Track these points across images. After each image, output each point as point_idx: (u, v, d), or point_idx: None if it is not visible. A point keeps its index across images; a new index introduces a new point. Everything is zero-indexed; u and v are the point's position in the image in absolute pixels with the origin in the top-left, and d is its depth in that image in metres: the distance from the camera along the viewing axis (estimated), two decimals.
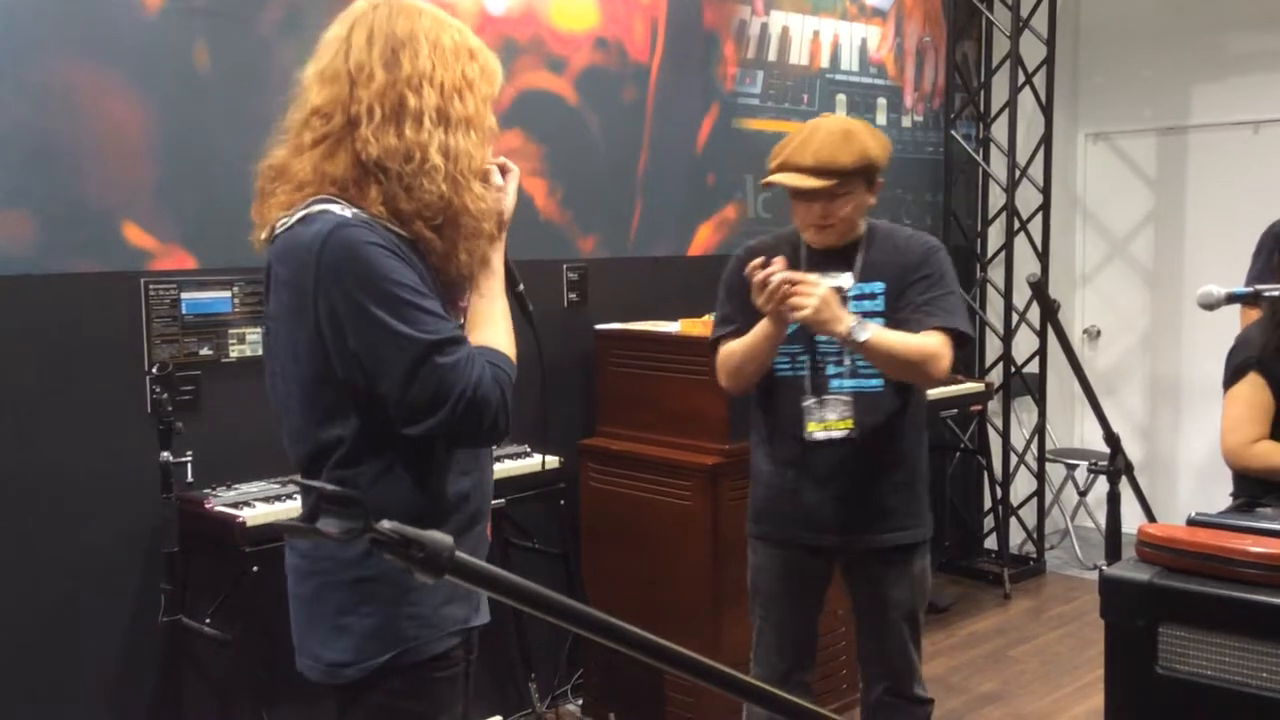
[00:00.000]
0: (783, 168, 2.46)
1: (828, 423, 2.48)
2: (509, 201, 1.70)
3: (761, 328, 2.42)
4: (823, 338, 2.47)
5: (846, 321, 2.31)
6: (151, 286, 2.95)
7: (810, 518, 2.54)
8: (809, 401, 2.49)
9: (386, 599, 1.62)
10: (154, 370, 2.92)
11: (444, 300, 1.62)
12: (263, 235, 1.64)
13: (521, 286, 1.78)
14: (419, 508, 1.63)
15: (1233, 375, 2.77)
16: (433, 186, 1.56)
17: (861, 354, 2.39)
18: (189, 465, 2.89)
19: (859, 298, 2.49)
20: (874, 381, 2.49)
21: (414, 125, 1.55)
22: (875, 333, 2.34)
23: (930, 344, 2.40)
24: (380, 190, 1.56)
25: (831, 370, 2.50)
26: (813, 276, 2.34)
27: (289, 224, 1.57)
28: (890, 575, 2.57)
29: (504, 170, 1.71)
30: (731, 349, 2.52)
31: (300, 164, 1.59)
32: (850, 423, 2.48)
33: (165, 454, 2.79)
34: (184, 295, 3.00)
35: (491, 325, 1.65)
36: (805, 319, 2.31)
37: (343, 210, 1.55)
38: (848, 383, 2.50)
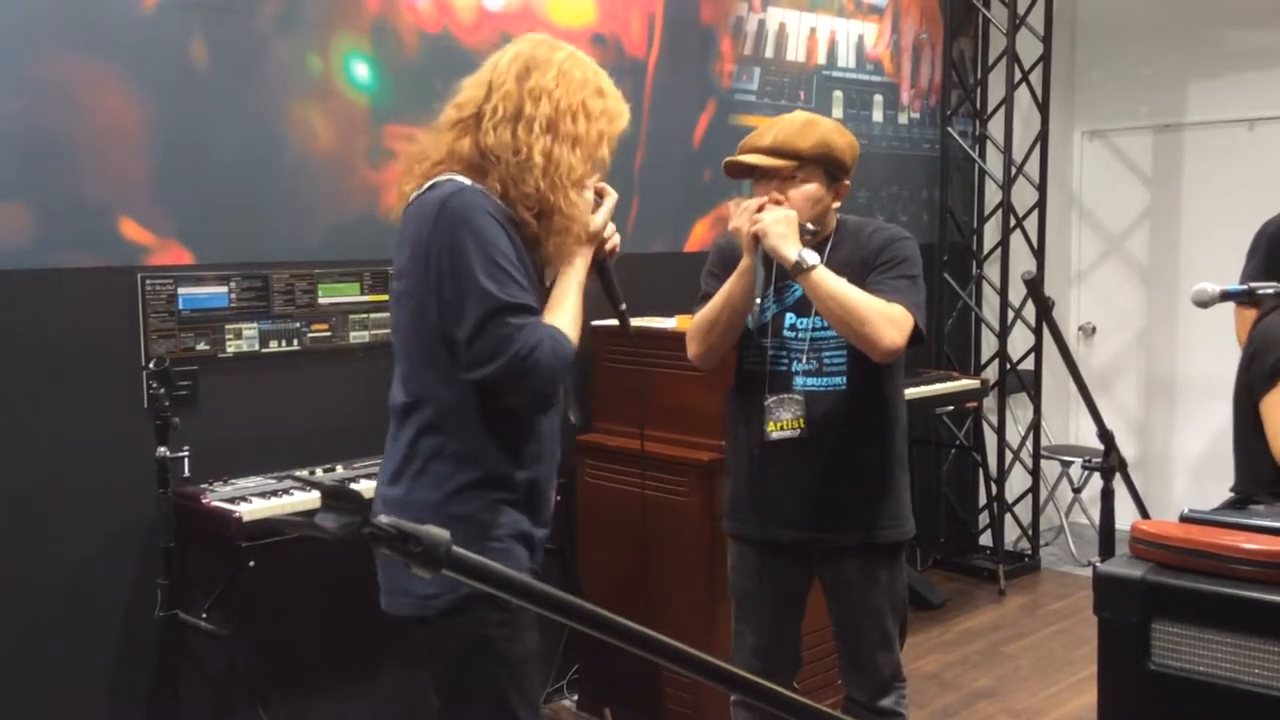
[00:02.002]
0: (741, 150, 2.50)
1: (782, 422, 2.47)
2: (598, 218, 1.97)
3: (738, 269, 2.43)
4: (791, 333, 2.47)
5: (799, 249, 2.32)
6: (148, 281, 2.95)
7: (773, 513, 2.52)
8: (769, 400, 2.48)
9: (472, 535, 1.84)
10: (150, 365, 2.92)
11: (531, 280, 1.86)
12: (399, 204, 1.94)
13: (624, 306, 2.08)
14: (496, 459, 1.88)
15: (1269, 377, 2.62)
16: (532, 180, 1.84)
17: (808, 291, 2.35)
18: (185, 460, 2.89)
19: None
20: (837, 379, 2.46)
21: (525, 128, 1.86)
22: (824, 271, 2.33)
23: (882, 305, 2.34)
24: (496, 175, 1.86)
25: (796, 367, 2.48)
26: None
27: (421, 192, 1.87)
28: (859, 581, 2.53)
29: (601, 193, 1.99)
30: (705, 309, 2.52)
31: (436, 145, 1.91)
32: (801, 422, 2.46)
33: (162, 449, 2.79)
34: (181, 290, 3.00)
35: (562, 310, 1.90)
36: (762, 231, 2.33)
37: (466, 181, 1.84)
38: (809, 380, 2.47)
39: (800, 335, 2.48)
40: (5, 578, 2.76)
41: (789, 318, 2.50)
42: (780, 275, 2.44)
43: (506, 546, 1.89)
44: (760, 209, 2.39)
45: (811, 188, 2.44)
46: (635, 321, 3.74)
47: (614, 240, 2.03)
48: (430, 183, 1.86)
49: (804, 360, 2.47)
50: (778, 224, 2.34)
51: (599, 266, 2.03)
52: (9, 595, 2.76)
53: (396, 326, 1.94)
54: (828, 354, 2.46)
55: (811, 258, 2.32)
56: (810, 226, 2.42)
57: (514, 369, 1.77)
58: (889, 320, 2.33)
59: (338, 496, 0.82)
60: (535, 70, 1.89)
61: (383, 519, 0.82)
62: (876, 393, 2.51)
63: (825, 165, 2.45)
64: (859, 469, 2.51)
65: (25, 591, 2.79)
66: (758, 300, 2.35)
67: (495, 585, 0.86)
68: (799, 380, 2.47)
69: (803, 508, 2.50)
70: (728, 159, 2.51)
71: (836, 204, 2.51)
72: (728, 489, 2.68)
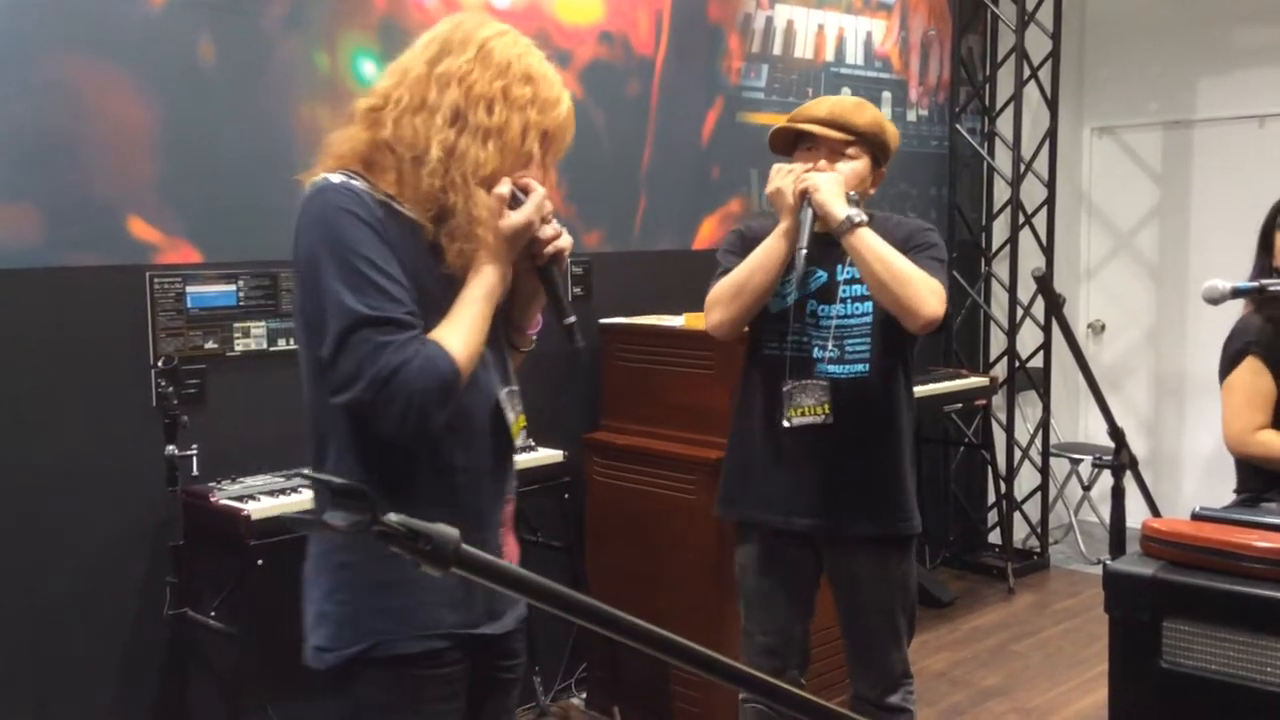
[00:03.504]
0: (793, 119, 2.49)
1: (804, 408, 2.44)
2: (517, 217, 1.66)
3: (773, 233, 2.41)
4: (812, 319, 2.46)
5: (847, 207, 2.32)
6: (157, 280, 2.95)
7: (783, 501, 2.49)
8: (788, 386, 2.46)
9: (359, 588, 1.63)
10: (159, 364, 2.92)
11: (432, 292, 1.62)
12: None
13: (571, 319, 1.75)
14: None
15: (1230, 362, 2.75)
16: (428, 178, 1.60)
17: (850, 249, 2.33)
18: (194, 459, 2.89)
19: (850, 282, 2.46)
20: (859, 367, 2.45)
21: (427, 117, 1.62)
22: (870, 231, 2.32)
23: (923, 272, 2.34)
24: (395, 172, 1.63)
25: (818, 354, 2.46)
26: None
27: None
28: (871, 576, 2.51)
29: (526, 189, 1.69)
30: (732, 272, 2.46)
31: (339, 138, 1.69)
32: (826, 408, 2.44)
33: (171, 447, 2.79)
34: (189, 289, 3.00)
35: (453, 325, 1.62)
36: (812, 186, 2.33)
37: (337, 177, 1.61)
38: (832, 368, 2.45)
39: (823, 321, 2.46)
40: (15, 576, 2.76)
41: (811, 304, 2.48)
42: (816, 244, 2.37)
43: (401, 604, 1.62)
44: (805, 172, 2.40)
45: (860, 164, 2.46)
46: (643, 319, 3.78)
47: (560, 242, 1.73)
48: (310, 182, 1.65)
49: (827, 347, 2.45)
50: (828, 182, 2.35)
51: (541, 273, 1.74)
52: (19, 593, 2.77)
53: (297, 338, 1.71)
54: (850, 341, 2.45)
55: (860, 216, 2.31)
56: (854, 195, 2.42)
57: (375, 392, 1.52)
58: (930, 288, 2.33)
59: (347, 494, 0.82)
60: (450, 53, 1.65)
61: (393, 517, 0.81)
62: (895, 382, 2.51)
63: (874, 147, 2.47)
64: (876, 458, 2.50)
65: (35, 589, 2.79)
66: (802, 248, 2.29)
67: (508, 585, 0.86)
68: (821, 366, 2.46)
69: (818, 495, 2.48)
70: (779, 126, 2.50)
71: (873, 190, 2.52)
72: (728, 476, 2.63)
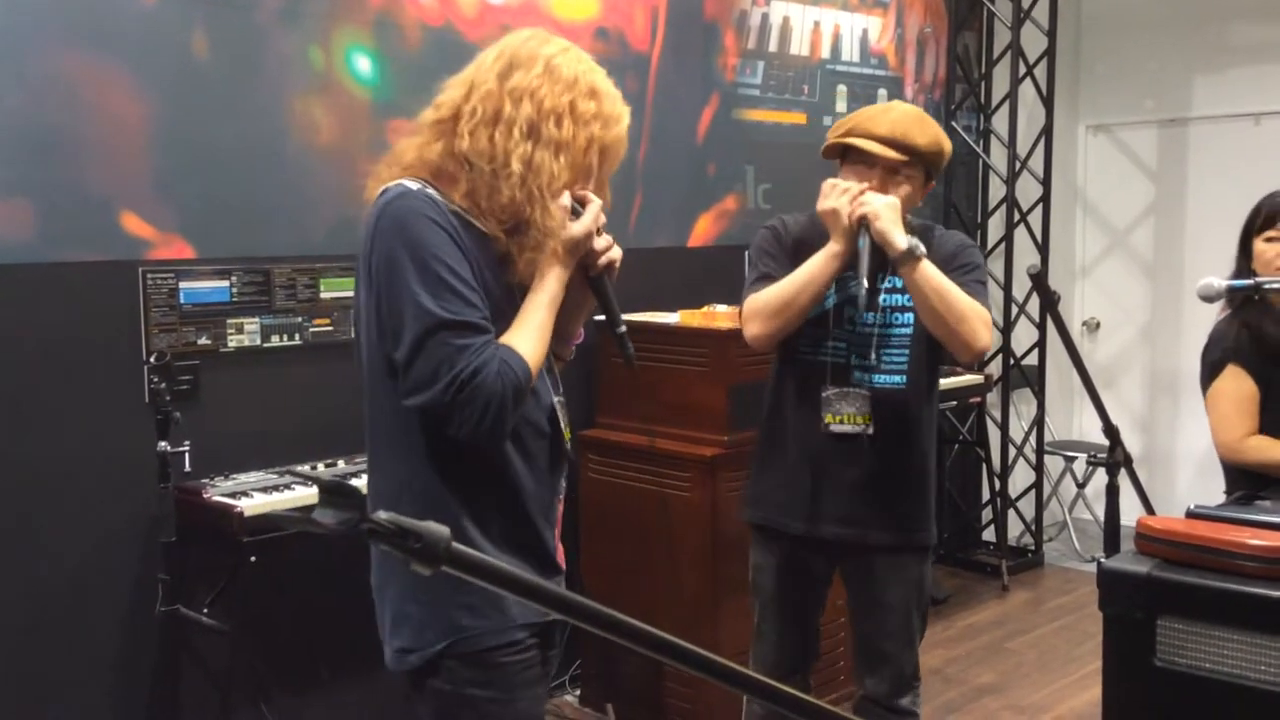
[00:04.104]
0: (852, 133, 2.40)
1: (845, 415, 2.41)
2: (577, 228, 1.72)
3: (822, 251, 2.34)
4: (850, 326, 2.43)
5: (908, 236, 2.26)
6: (150, 276, 2.94)
7: (810, 508, 2.48)
8: (829, 392, 2.42)
9: (438, 585, 1.62)
10: (152, 360, 2.91)
11: (498, 300, 1.67)
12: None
13: (623, 329, 1.79)
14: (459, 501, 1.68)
15: (1210, 371, 2.75)
16: (508, 190, 1.64)
17: (909, 280, 2.29)
18: (186, 455, 2.88)
19: (892, 291, 2.43)
20: (896, 378, 2.43)
21: (504, 131, 1.66)
22: (929, 263, 2.27)
23: (977, 305, 2.32)
24: (467, 183, 1.66)
25: (856, 361, 2.43)
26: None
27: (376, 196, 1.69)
28: (891, 577, 2.50)
29: (583, 201, 1.75)
30: (775, 286, 2.39)
31: (406, 147, 1.73)
32: (868, 418, 2.41)
33: (163, 444, 2.78)
34: (182, 285, 2.99)
35: (522, 330, 1.67)
36: (873, 214, 2.28)
37: (416, 185, 1.65)
38: (870, 377, 2.42)
39: (861, 329, 2.42)
40: (6, 572, 2.75)
41: (849, 310, 2.44)
42: (869, 264, 2.34)
43: (482, 597, 1.66)
44: (861, 193, 2.32)
45: (911, 185, 2.40)
46: (638, 316, 3.78)
47: (612, 253, 1.78)
48: (382, 188, 1.68)
49: (868, 356, 2.42)
50: (888, 209, 2.29)
51: (594, 284, 1.79)
52: (10, 589, 2.76)
53: (359, 345, 1.75)
54: (888, 351, 2.43)
55: (920, 247, 2.27)
56: (910, 219, 2.39)
57: (454, 394, 1.56)
58: (983, 321, 2.32)
59: (336, 492, 0.81)
60: (519, 68, 1.69)
61: (382, 515, 0.81)
62: (927, 394, 2.50)
63: (931, 165, 2.41)
64: (908, 469, 2.49)
65: (26, 586, 2.78)
66: (864, 283, 2.27)
67: (499, 584, 0.85)
68: (857, 375, 2.43)
69: (850, 504, 2.46)
70: (835, 138, 2.42)
71: (920, 203, 2.48)
72: (756, 478, 2.61)
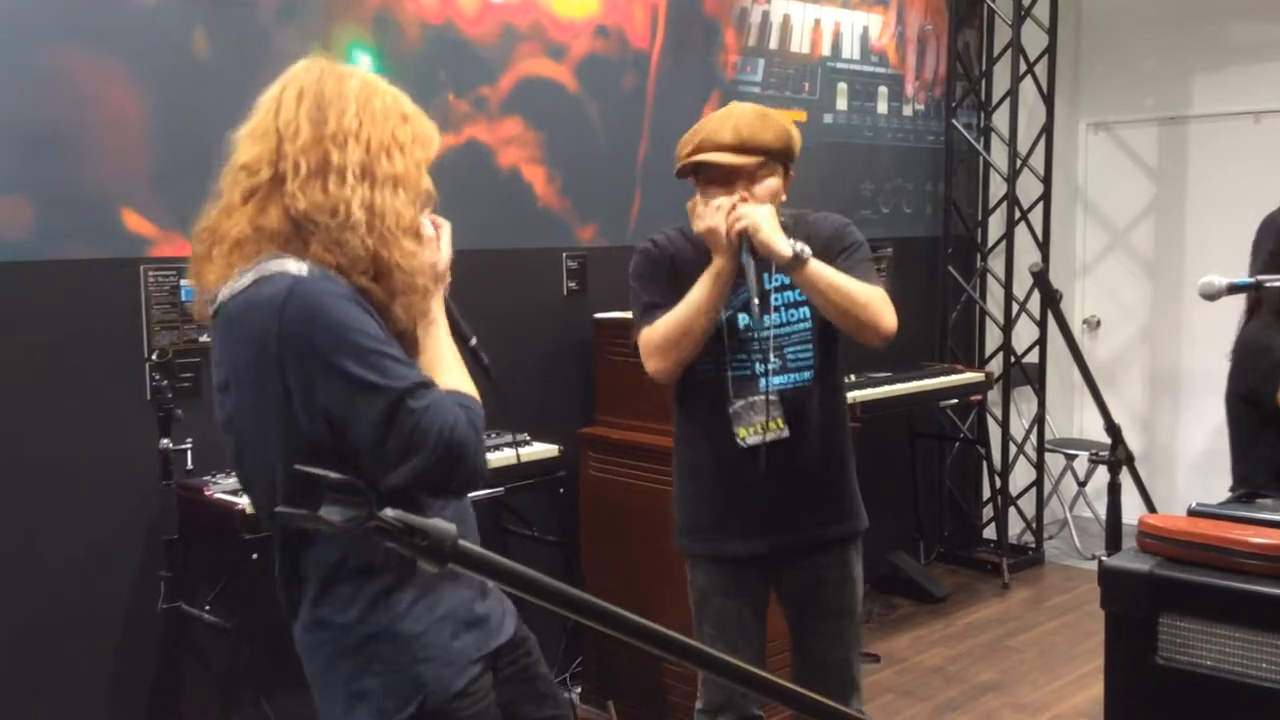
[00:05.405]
0: (700, 149, 2.32)
1: (757, 425, 2.35)
2: (444, 254, 1.69)
3: (707, 273, 2.27)
4: (747, 335, 2.37)
5: (790, 242, 2.21)
6: (151, 273, 2.94)
7: (751, 527, 2.41)
8: (735, 407, 2.35)
9: (394, 651, 1.61)
10: (154, 357, 2.91)
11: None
12: (204, 305, 1.63)
13: (474, 341, 1.75)
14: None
15: (1265, 381, 2.73)
16: (356, 241, 1.55)
17: (801, 283, 2.26)
18: (189, 452, 2.89)
19: (782, 289, 2.38)
20: (805, 374, 2.38)
21: (337, 180, 1.56)
22: (818, 261, 2.24)
23: (873, 288, 2.28)
24: (319, 242, 1.55)
25: (759, 369, 2.36)
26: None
27: (240, 287, 1.54)
28: (829, 574, 2.45)
29: (436, 225, 1.70)
30: (667, 318, 2.31)
31: (233, 222, 1.59)
32: (780, 422, 2.36)
33: (165, 441, 2.79)
34: (184, 282, 2.99)
35: (447, 371, 1.63)
36: (752, 226, 2.21)
37: (298, 266, 1.53)
38: (776, 380, 2.36)
39: (759, 335, 2.37)
40: (8, 569, 2.75)
41: (741, 319, 2.38)
42: (756, 275, 2.28)
43: (436, 645, 1.63)
44: (734, 207, 2.26)
45: (774, 181, 2.34)
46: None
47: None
48: (253, 275, 1.53)
49: (768, 359, 2.37)
50: (767, 217, 2.25)
51: (446, 305, 1.73)
52: (13, 586, 2.76)
53: (244, 446, 1.62)
54: (790, 350, 2.39)
55: (804, 249, 2.22)
56: (782, 217, 2.33)
57: (440, 456, 1.50)
58: (884, 302, 2.29)
59: (343, 490, 0.81)
60: (330, 108, 1.58)
61: (389, 512, 0.81)
62: (834, 384, 2.47)
63: (784, 158, 2.36)
64: (833, 460, 2.46)
65: (28, 583, 2.78)
66: (755, 300, 2.23)
67: (505, 580, 0.85)
68: (762, 382, 2.36)
69: (781, 513, 2.40)
70: (687, 160, 2.37)
71: (784, 196, 2.40)
72: (682, 507, 2.52)
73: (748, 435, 2.36)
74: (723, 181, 2.32)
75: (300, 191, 1.55)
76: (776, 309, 2.38)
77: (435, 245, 1.67)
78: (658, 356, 2.34)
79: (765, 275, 2.34)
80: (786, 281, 2.36)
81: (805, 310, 2.39)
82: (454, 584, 1.66)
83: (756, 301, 2.23)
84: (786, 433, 2.37)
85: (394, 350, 1.53)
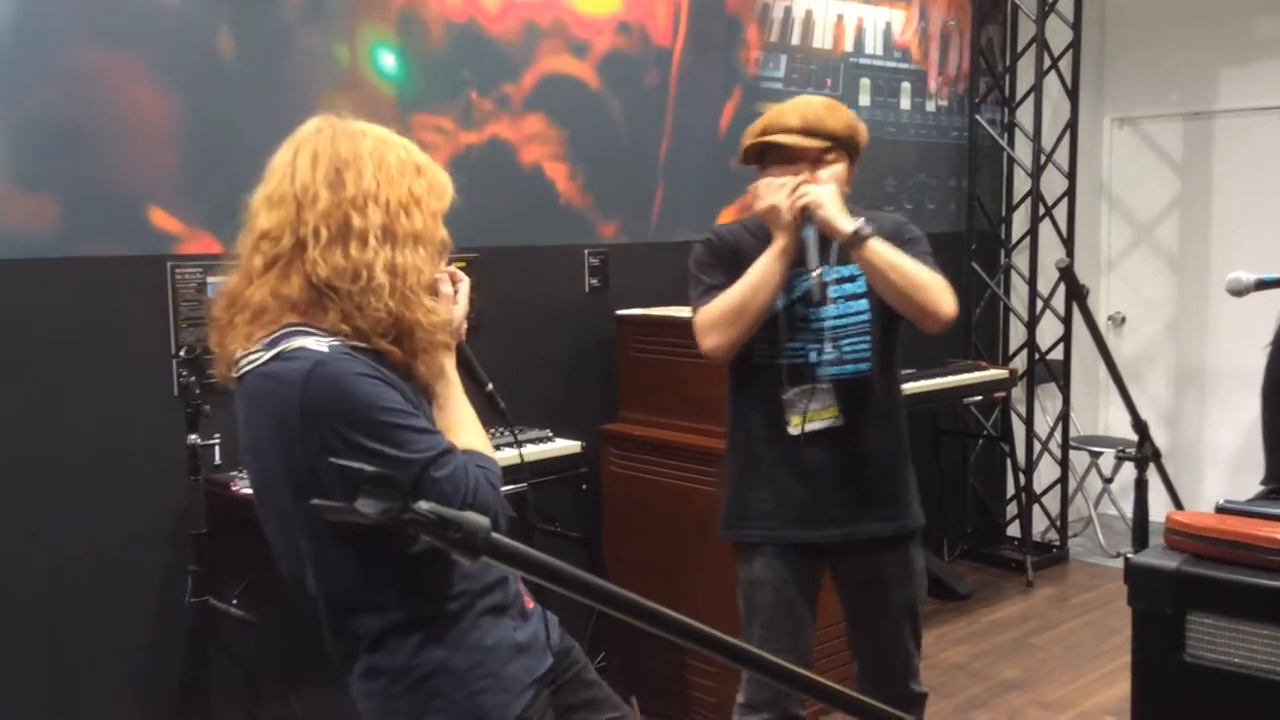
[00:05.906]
0: (767, 132, 2.36)
1: (811, 413, 2.36)
2: (459, 310, 1.70)
3: (768, 250, 2.31)
4: (804, 324, 2.38)
5: (852, 219, 2.23)
6: (178, 270, 2.96)
7: (804, 515, 2.42)
8: (790, 393, 2.38)
9: (451, 686, 1.62)
10: (181, 353, 2.94)
11: (423, 405, 1.63)
12: (226, 369, 1.63)
13: (490, 386, 1.77)
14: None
15: None
16: (379, 304, 1.55)
17: (862, 262, 2.27)
18: (216, 448, 2.90)
19: (841, 281, 2.40)
20: (863, 365, 2.39)
21: (359, 244, 1.55)
22: (880, 240, 2.25)
23: (933, 274, 2.29)
24: (337, 310, 1.56)
25: (814, 357, 2.38)
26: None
27: (261, 360, 1.54)
28: (889, 571, 2.46)
29: (453, 280, 1.71)
30: (725, 294, 2.34)
31: (254, 290, 1.59)
32: (835, 410, 2.37)
33: (193, 436, 2.81)
34: (210, 279, 3.01)
35: (464, 431, 1.65)
36: (814, 202, 2.25)
37: (318, 344, 1.53)
38: (833, 369, 2.38)
39: (815, 324, 2.38)
40: (38, 564, 2.78)
41: (798, 308, 2.40)
42: (818, 254, 2.32)
43: (497, 673, 1.65)
44: (799, 185, 2.30)
45: (840, 168, 2.38)
46: (659, 311, 3.78)
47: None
48: (273, 348, 1.53)
49: (824, 349, 2.39)
50: (829, 194, 2.27)
51: (460, 351, 1.74)
52: (42, 581, 2.79)
53: (271, 506, 1.64)
54: (848, 341, 2.39)
55: (866, 226, 2.24)
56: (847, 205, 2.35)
57: None
58: (945, 287, 2.29)
59: (377, 482, 0.82)
60: (348, 170, 1.57)
61: (423, 505, 0.81)
62: (892, 377, 2.48)
63: (850, 147, 2.40)
64: (889, 454, 2.47)
65: (57, 578, 2.81)
66: (816, 273, 2.26)
67: (537, 573, 0.86)
68: (820, 370, 2.39)
69: (834, 503, 2.42)
70: (753, 140, 2.40)
71: (848, 189, 2.43)
72: (735, 495, 2.53)
73: (801, 423, 2.38)
74: (788, 163, 2.35)
75: (321, 258, 1.55)
76: (834, 300, 2.39)
77: (451, 300, 1.68)
78: (715, 332, 2.36)
79: (825, 268, 2.36)
80: (845, 274, 2.39)
81: (864, 303, 2.40)
82: (494, 617, 1.68)
83: (815, 273, 2.25)
84: (840, 422, 2.38)
85: (416, 421, 1.54)
